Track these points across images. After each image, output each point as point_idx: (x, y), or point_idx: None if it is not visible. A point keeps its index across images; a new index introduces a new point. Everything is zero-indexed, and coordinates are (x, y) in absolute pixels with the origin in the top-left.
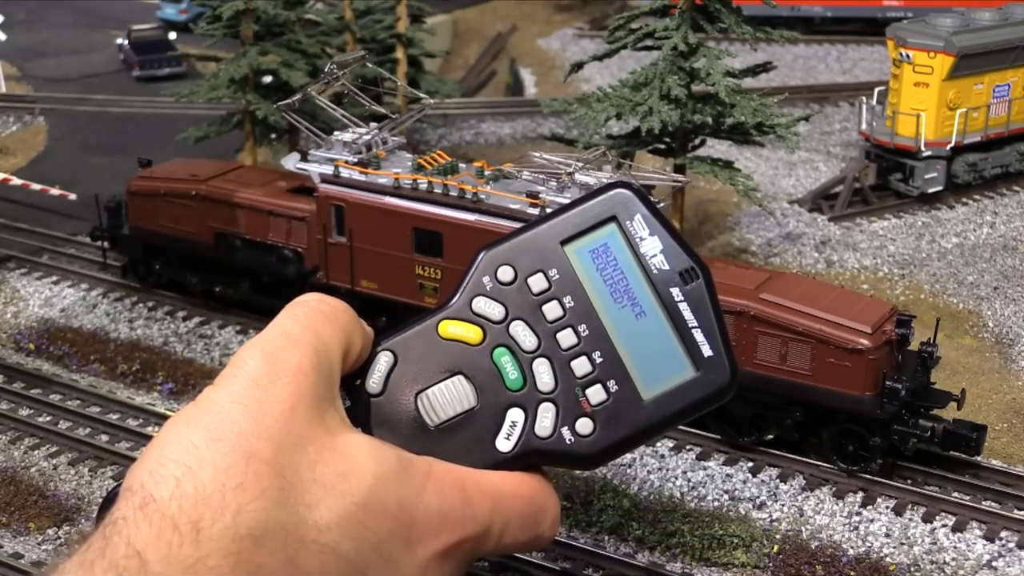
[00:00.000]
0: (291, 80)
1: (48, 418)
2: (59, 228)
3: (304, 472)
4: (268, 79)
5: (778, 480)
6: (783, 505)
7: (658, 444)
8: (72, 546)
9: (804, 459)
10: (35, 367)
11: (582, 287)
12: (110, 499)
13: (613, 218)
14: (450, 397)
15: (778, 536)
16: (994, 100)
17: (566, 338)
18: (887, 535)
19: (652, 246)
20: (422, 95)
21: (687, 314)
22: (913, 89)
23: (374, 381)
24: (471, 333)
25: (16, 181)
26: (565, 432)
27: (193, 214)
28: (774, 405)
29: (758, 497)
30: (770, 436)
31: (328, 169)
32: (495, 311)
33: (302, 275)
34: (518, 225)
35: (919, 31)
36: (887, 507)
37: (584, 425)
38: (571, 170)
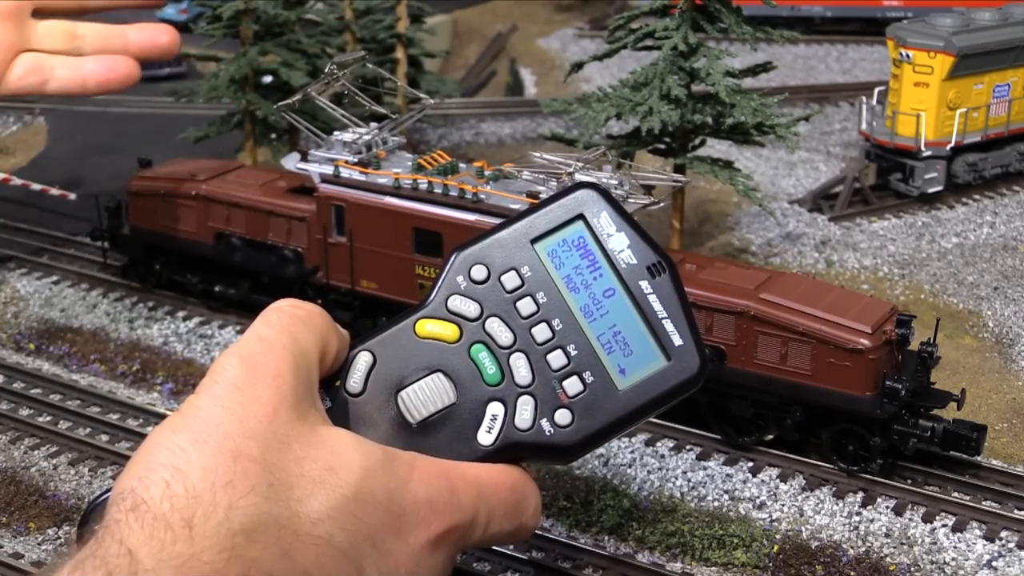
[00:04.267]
0: (291, 80)
1: (48, 418)
2: (59, 228)
3: (291, 468)
4: (268, 79)
5: (778, 480)
6: (783, 505)
7: (658, 444)
8: (69, 550)
9: (804, 459)
10: (35, 367)
11: (554, 283)
12: (91, 511)
13: (580, 216)
14: (430, 394)
15: (778, 536)
16: (994, 100)
17: (541, 332)
18: (887, 535)
19: (619, 242)
20: (422, 95)
21: (656, 306)
22: (913, 89)
23: (354, 381)
24: (448, 331)
25: (16, 181)
26: (544, 424)
27: (193, 214)
28: (774, 405)
29: (758, 497)
30: (770, 436)
31: (328, 169)
32: (471, 309)
33: (302, 275)
34: None
35: (919, 31)
36: (887, 507)
37: (563, 416)
38: (571, 170)
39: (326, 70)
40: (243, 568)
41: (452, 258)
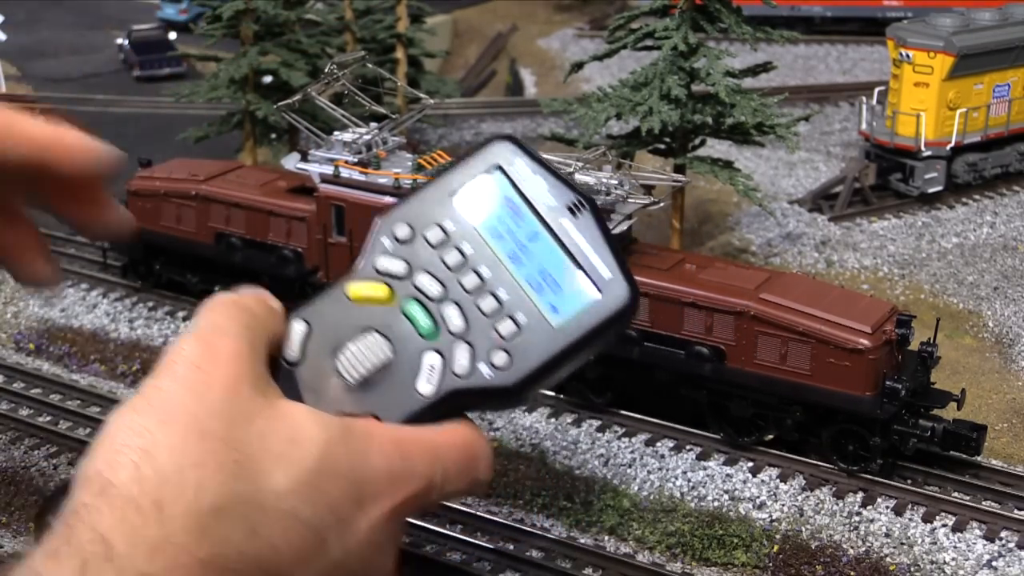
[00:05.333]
0: (291, 80)
1: (48, 418)
2: (59, 228)
3: (255, 444)
4: (268, 79)
5: (778, 480)
6: (783, 505)
7: (658, 444)
8: (38, 540)
9: (804, 459)
10: (35, 367)
11: (478, 233)
12: (51, 499)
13: (497, 167)
14: (366, 352)
15: (778, 536)
16: (994, 100)
17: (470, 281)
18: (887, 535)
19: (537, 186)
20: (422, 95)
21: (581, 243)
22: (913, 89)
23: (291, 351)
24: (378, 291)
25: None
26: (482, 367)
27: (193, 214)
28: (774, 405)
29: (758, 497)
30: (770, 436)
31: (328, 169)
32: (398, 267)
33: (302, 275)
34: None
35: (919, 31)
36: (887, 507)
37: (499, 357)
38: (571, 170)
39: (326, 70)
40: (214, 547)
41: (376, 223)
